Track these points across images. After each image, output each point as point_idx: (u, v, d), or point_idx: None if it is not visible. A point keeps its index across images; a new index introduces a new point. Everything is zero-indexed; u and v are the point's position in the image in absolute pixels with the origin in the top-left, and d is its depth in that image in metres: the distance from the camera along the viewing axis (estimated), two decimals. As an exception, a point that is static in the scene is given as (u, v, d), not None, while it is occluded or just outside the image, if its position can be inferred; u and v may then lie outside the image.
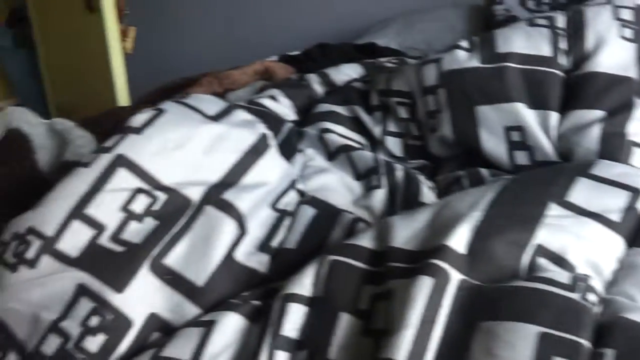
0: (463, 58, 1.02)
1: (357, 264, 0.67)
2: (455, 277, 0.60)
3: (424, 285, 0.58)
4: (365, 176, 0.96)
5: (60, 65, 3.16)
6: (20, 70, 3.69)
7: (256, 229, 0.80)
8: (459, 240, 0.63)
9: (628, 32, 1.00)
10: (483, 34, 1.06)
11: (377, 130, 1.09)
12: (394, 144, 1.08)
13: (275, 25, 2.09)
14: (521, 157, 0.95)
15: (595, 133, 0.90)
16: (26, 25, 3.36)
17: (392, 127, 1.09)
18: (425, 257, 0.62)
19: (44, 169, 1.09)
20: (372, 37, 1.82)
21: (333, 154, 1.02)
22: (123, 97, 2.67)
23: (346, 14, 2.01)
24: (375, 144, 1.09)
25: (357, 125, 1.11)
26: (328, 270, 0.66)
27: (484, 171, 0.96)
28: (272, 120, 1.00)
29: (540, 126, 0.94)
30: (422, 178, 0.97)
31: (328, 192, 0.92)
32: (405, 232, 0.68)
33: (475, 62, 1.01)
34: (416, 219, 0.70)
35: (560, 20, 1.04)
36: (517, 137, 0.95)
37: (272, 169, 0.87)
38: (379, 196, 0.91)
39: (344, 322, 0.63)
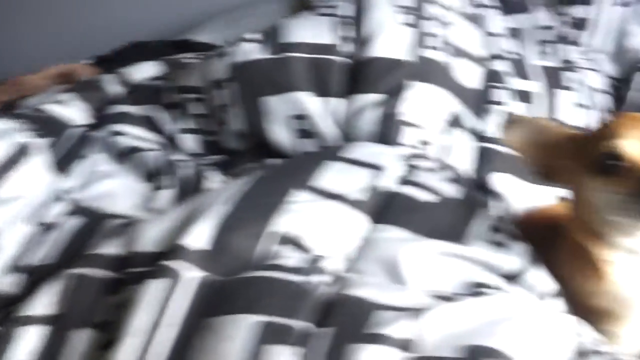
0: (250, 50, 1.01)
1: (99, 273, 0.62)
2: (193, 275, 0.58)
3: (150, 290, 0.55)
4: (153, 177, 0.93)
5: None
6: None
7: (11, 246, 0.74)
8: (199, 236, 0.60)
9: (407, 18, 1.03)
10: (270, 26, 1.06)
11: (172, 129, 1.06)
12: (191, 141, 1.05)
13: (89, 25, 1.96)
14: (307, 146, 0.95)
15: (373, 116, 0.92)
16: None
17: (188, 124, 1.06)
18: (160, 259, 0.59)
19: None
20: (197, 34, 1.78)
21: (121, 157, 0.98)
22: None
23: (167, 11, 1.94)
24: (173, 142, 1.05)
25: (153, 125, 1.07)
26: (65, 285, 0.62)
27: (274, 162, 0.95)
28: (47, 127, 0.93)
29: (325, 113, 0.95)
30: (212, 174, 0.95)
31: (109, 199, 0.87)
32: (152, 233, 0.64)
33: (261, 54, 1.00)
34: (168, 217, 0.67)
35: (346, 8, 1.06)
36: (302, 126, 0.95)
37: (30, 181, 0.81)
38: (165, 197, 0.88)
39: (83, 338, 0.58)
